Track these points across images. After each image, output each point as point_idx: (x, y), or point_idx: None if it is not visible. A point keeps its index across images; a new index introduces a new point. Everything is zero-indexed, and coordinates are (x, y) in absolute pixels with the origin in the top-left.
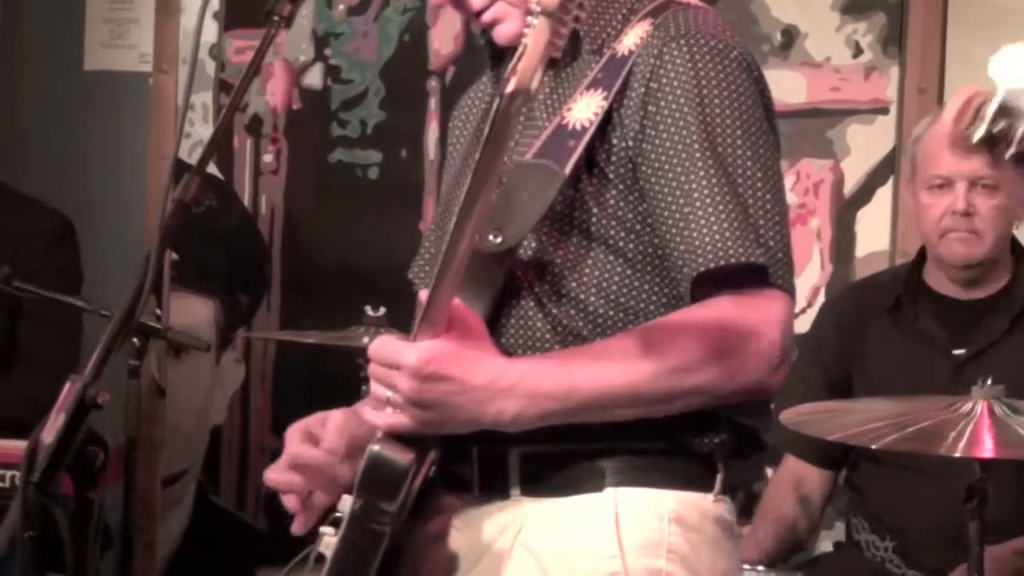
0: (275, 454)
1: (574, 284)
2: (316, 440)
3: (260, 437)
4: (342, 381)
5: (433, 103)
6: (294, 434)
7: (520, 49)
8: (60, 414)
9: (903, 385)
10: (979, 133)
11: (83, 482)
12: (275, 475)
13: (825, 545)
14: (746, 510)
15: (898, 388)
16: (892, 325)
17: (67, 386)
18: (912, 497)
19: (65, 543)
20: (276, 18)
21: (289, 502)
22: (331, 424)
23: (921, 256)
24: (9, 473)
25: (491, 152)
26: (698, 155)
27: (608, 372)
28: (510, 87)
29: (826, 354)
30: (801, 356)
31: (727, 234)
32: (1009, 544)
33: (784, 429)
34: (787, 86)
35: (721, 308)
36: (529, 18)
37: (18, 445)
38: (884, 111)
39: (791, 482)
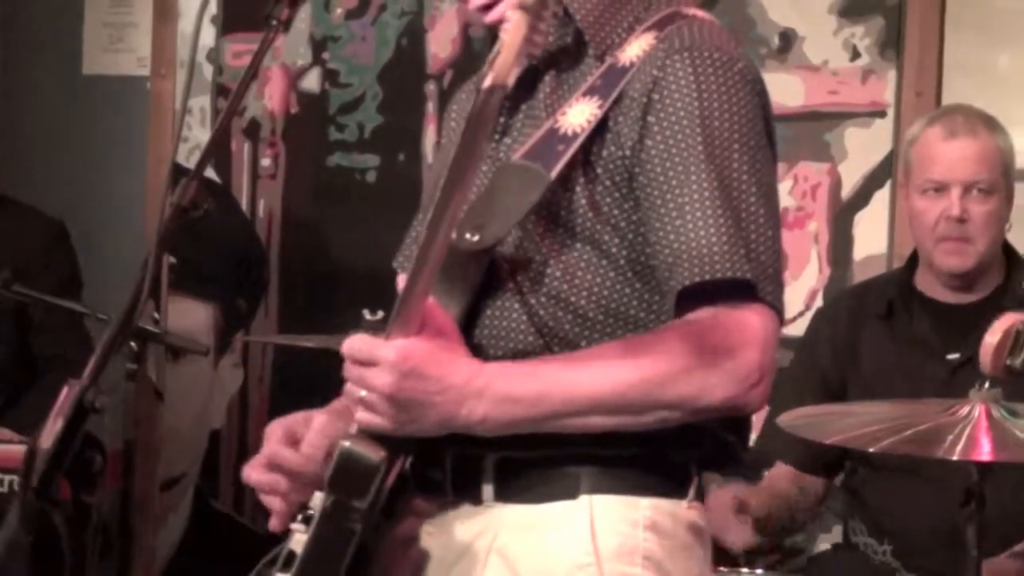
0: None
1: (565, 286)
2: (296, 440)
3: (258, 441)
4: (340, 385)
5: (431, 107)
6: (275, 432)
7: (497, 45)
8: (58, 419)
9: (898, 390)
10: (1019, 362)
11: (81, 486)
12: (256, 475)
13: (824, 547)
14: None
15: (893, 393)
16: (886, 330)
17: (65, 390)
18: (909, 501)
19: (64, 547)
20: (274, 22)
21: (271, 502)
22: (314, 425)
23: (912, 260)
24: (8, 478)
25: (468, 148)
26: (693, 167)
27: (581, 381)
28: (487, 82)
29: (820, 360)
30: (796, 362)
31: (716, 248)
32: (1005, 554)
33: (775, 438)
34: (785, 89)
35: (703, 323)
36: (508, 12)
37: (17, 449)
38: (881, 114)
39: (786, 475)
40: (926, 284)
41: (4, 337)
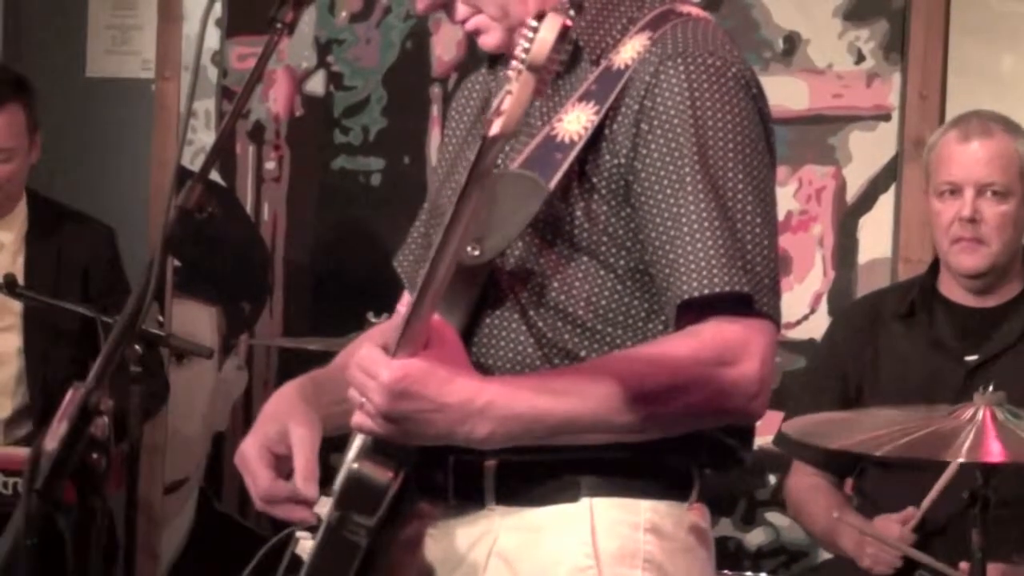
0: None
1: (563, 297)
2: (279, 461)
3: None
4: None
5: (435, 110)
6: (256, 462)
7: (503, 93)
8: (63, 421)
9: (916, 391)
10: None
11: (86, 489)
12: (268, 509)
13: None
14: (749, 517)
15: (911, 394)
16: (905, 332)
17: (69, 393)
18: (920, 499)
19: (67, 551)
20: (279, 25)
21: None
22: (303, 452)
23: (936, 264)
24: (12, 480)
25: (473, 190)
26: (688, 177)
27: (581, 398)
28: (494, 130)
29: (839, 363)
30: (813, 366)
31: (713, 261)
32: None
33: (791, 439)
34: (789, 92)
35: (701, 337)
36: (515, 63)
37: (21, 452)
38: (886, 117)
39: (809, 487)
40: (948, 288)
41: (67, 359)
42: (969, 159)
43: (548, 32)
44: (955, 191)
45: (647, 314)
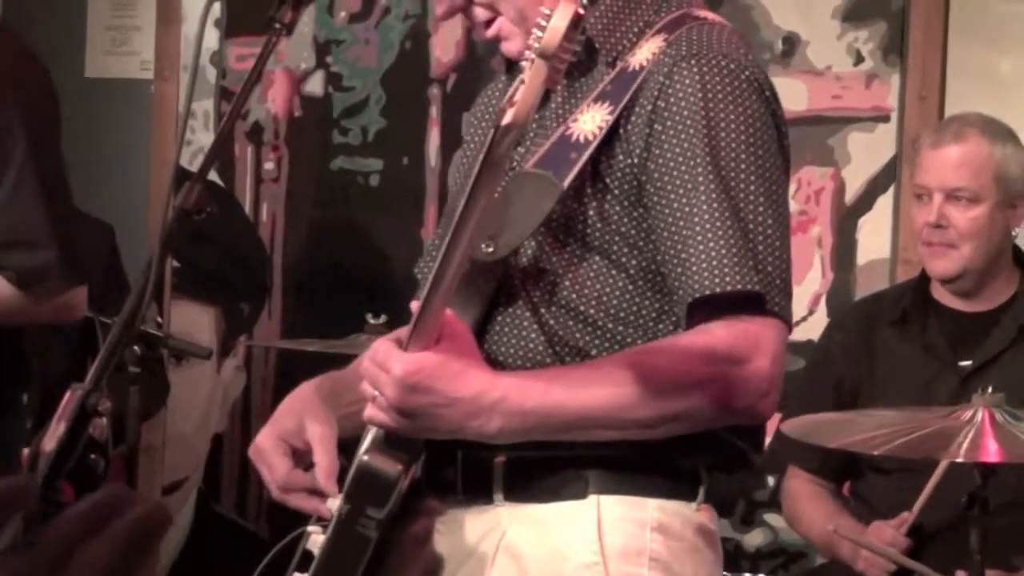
0: None
1: (575, 295)
2: (295, 454)
3: None
4: None
5: (434, 110)
6: (273, 451)
7: (517, 83)
8: (61, 422)
9: (910, 397)
10: None
11: (84, 490)
12: (285, 498)
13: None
14: (747, 518)
15: (905, 400)
16: (899, 338)
17: (68, 394)
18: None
19: None
20: (277, 25)
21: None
22: (323, 448)
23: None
24: None
25: (485, 180)
26: (701, 177)
27: (592, 395)
28: (506, 119)
29: (834, 367)
30: (809, 370)
31: (724, 260)
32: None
33: (789, 442)
34: (788, 94)
35: (713, 335)
36: (528, 52)
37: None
38: (885, 119)
39: (805, 495)
40: (940, 293)
41: (66, 358)
42: (938, 164)
43: (560, 20)
44: (926, 196)
45: (658, 314)
